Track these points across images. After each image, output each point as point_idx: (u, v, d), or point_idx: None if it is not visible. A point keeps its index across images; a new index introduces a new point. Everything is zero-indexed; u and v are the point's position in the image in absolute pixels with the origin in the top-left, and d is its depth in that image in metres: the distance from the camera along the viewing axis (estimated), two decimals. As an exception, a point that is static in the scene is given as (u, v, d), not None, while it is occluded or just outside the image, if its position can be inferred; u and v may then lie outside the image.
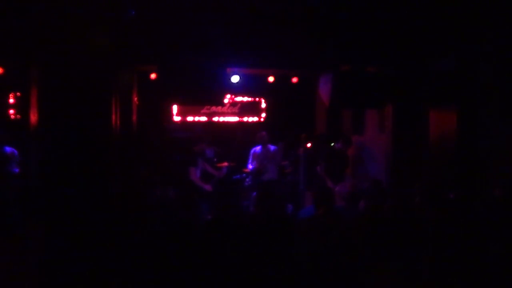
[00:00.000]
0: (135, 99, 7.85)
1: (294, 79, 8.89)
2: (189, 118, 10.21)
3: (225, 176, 8.38)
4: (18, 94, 8.61)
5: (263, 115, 10.50)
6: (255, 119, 10.48)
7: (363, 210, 4.88)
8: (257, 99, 10.47)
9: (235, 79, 7.76)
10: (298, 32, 6.61)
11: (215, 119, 10.32)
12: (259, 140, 8.41)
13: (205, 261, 3.35)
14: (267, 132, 8.51)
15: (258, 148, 8.43)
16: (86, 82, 5.65)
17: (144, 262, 3.50)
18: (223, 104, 10.05)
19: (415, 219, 4.04)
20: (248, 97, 10.40)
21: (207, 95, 7.02)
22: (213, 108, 10.24)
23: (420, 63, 7.08)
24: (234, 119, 10.39)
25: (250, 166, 8.43)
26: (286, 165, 8.83)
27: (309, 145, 9.05)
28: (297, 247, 3.57)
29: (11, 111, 8.88)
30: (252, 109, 10.48)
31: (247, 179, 8.58)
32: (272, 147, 8.53)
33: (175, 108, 10.09)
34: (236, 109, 10.40)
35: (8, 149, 7.24)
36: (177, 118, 10.15)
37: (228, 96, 10.06)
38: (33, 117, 5.70)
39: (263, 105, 10.50)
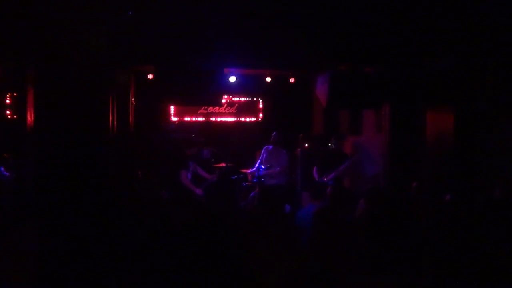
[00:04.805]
0: (132, 99, 7.85)
1: (292, 79, 8.88)
2: (187, 119, 10.20)
3: (223, 176, 8.35)
4: (15, 94, 8.58)
5: (261, 115, 10.50)
6: (253, 119, 10.47)
7: (362, 210, 4.88)
8: (254, 99, 10.47)
9: (232, 79, 7.75)
10: (295, 32, 6.61)
11: (213, 119, 10.31)
12: (271, 139, 8.28)
13: (202, 261, 3.35)
14: (279, 133, 8.36)
15: (269, 147, 8.33)
16: (83, 83, 5.63)
17: (141, 262, 3.49)
18: (220, 105, 10.04)
19: (414, 219, 4.05)
20: (246, 97, 10.39)
21: (205, 95, 7.02)
22: (211, 109, 10.23)
23: (417, 63, 7.08)
24: (232, 119, 10.38)
25: (261, 166, 8.25)
26: (287, 168, 8.79)
27: (306, 145, 9.05)
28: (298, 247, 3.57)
29: (8, 112, 8.86)
30: (249, 109, 10.48)
31: (250, 171, 8.45)
32: (282, 150, 8.33)
33: (172, 109, 10.08)
34: (233, 110, 10.39)
35: None
36: (174, 119, 10.14)
37: (226, 96, 10.06)
38: (30, 118, 5.68)
39: (261, 105, 10.50)
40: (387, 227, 3.28)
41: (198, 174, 7.36)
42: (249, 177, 8.47)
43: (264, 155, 8.31)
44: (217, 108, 10.22)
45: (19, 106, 5.97)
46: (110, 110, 6.20)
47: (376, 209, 4.32)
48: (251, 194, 8.13)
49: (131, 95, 7.75)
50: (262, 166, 8.17)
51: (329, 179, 7.64)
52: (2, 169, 7.21)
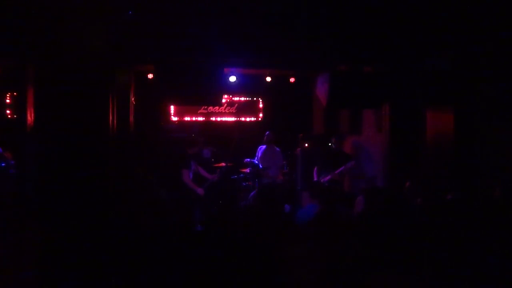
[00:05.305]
0: (132, 99, 7.85)
1: (292, 79, 8.89)
2: (187, 118, 10.21)
3: (223, 176, 8.36)
4: (15, 94, 8.58)
5: (261, 115, 10.50)
6: (253, 119, 10.48)
7: (360, 209, 4.88)
8: (254, 99, 10.47)
9: (232, 79, 7.76)
10: (295, 32, 6.61)
11: (213, 119, 10.32)
12: (265, 139, 8.43)
13: (200, 261, 3.35)
14: (273, 132, 8.50)
15: (263, 147, 8.46)
16: (83, 82, 5.64)
17: (141, 261, 3.49)
18: (220, 104, 10.04)
19: (413, 219, 4.05)
20: (246, 97, 10.40)
21: (205, 95, 7.02)
22: (211, 108, 10.23)
23: (417, 63, 7.09)
24: (232, 119, 10.39)
25: (256, 162, 8.43)
26: (284, 165, 8.84)
27: (306, 145, 9.06)
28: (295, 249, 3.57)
29: (8, 111, 8.86)
30: (249, 109, 10.48)
31: (247, 170, 8.54)
32: (276, 148, 8.51)
33: (172, 109, 10.08)
34: (233, 109, 10.40)
35: None
36: (174, 118, 10.14)
37: (226, 96, 10.06)
38: (30, 117, 5.69)
39: (261, 105, 10.51)
40: (386, 226, 3.28)
41: (199, 174, 7.36)
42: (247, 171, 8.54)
43: (259, 156, 8.40)
44: (217, 107, 10.22)
45: (19, 106, 5.97)
46: (110, 110, 6.20)
47: (374, 208, 4.32)
48: (251, 193, 8.13)
49: (131, 95, 7.75)
50: (260, 166, 8.29)
51: (325, 181, 7.65)
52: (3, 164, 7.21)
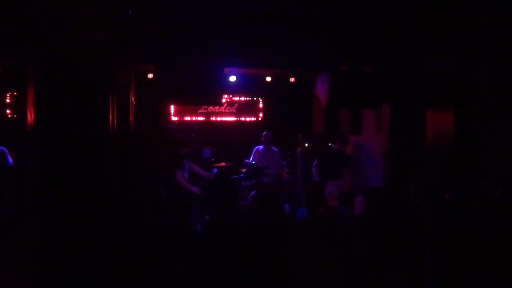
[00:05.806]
0: (132, 99, 7.85)
1: (292, 79, 8.89)
2: (187, 118, 10.21)
3: (223, 176, 8.37)
4: (15, 93, 8.58)
5: (261, 115, 10.51)
6: (253, 119, 10.48)
7: (360, 209, 4.89)
8: (254, 99, 10.48)
9: (232, 79, 7.76)
10: (295, 32, 6.61)
11: (213, 119, 10.33)
12: (262, 139, 8.41)
13: (200, 262, 3.35)
14: (271, 132, 8.49)
15: (260, 147, 8.43)
16: (83, 82, 5.64)
17: (140, 261, 3.49)
18: (220, 104, 10.04)
19: (413, 219, 4.05)
20: (246, 97, 10.41)
21: (205, 95, 7.02)
22: (211, 108, 10.24)
23: (417, 63, 7.08)
24: (232, 119, 10.39)
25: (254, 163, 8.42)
26: (284, 165, 8.84)
27: (306, 145, 9.06)
28: (294, 249, 3.57)
29: (8, 111, 8.86)
30: (249, 109, 10.49)
31: (243, 171, 8.54)
32: (274, 148, 8.50)
33: (172, 108, 10.09)
34: (233, 109, 10.41)
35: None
36: (174, 118, 10.15)
37: (226, 96, 10.07)
38: (30, 117, 5.68)
39: (261, 105, 10.51)
40: (386, 227, 3.29)
41: (194, 172, 7.37)
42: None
43: (256, 156, 8.36)
44: (217, 107, 10.23)
45: (19, 106, 5.96)
46: (110, 110, 6.20)
47: (374, 209, 4.33)
48: (251, 193, 8.14)
49: (131, 95, 7.75)
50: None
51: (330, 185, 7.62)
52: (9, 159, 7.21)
